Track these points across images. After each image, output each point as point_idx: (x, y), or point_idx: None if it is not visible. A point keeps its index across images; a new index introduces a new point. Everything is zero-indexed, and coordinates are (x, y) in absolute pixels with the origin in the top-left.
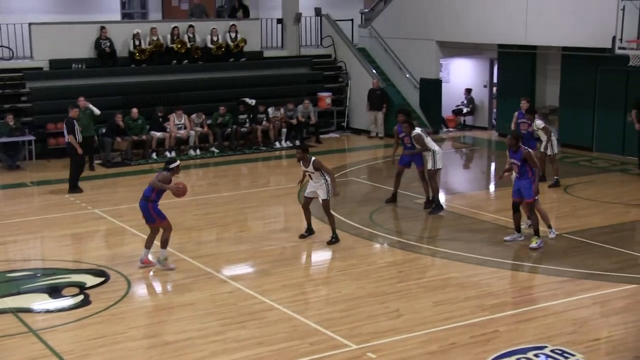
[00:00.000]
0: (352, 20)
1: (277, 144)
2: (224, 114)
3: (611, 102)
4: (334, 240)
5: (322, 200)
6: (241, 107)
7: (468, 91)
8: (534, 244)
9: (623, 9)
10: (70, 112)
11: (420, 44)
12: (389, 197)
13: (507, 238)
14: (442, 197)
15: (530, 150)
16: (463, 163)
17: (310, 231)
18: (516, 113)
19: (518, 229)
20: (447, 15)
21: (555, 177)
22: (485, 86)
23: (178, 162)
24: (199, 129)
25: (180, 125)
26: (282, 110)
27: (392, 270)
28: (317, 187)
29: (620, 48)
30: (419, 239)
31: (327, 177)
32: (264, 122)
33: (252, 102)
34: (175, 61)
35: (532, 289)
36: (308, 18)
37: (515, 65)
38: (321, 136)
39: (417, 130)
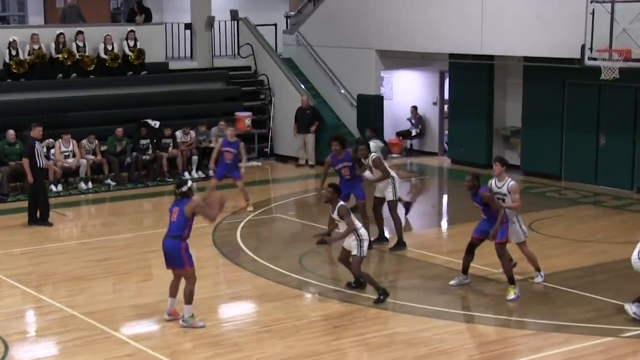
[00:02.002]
0: (275, 25)
1: (187, 175)
2: (121, 138)
3: (581, 122)
4: (382, 298)
5: (352, 256)
6: (143, 131)
7: (414, 109)
8: (511, 295)
9: (593, 13)
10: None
11: (357, 53)
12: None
13: (453, 282)
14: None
15: (490, 192)
16: (410, 196)
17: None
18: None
19: (465, 271)
20: (388, 19)
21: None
22: (434, 103)
23: (190, 182)
24: (91, 157)
25: (67, 153)
26: (192, 133)
27: (327, 325)
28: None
29: (590, 59)
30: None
31: (357, 229)
32: (170, 149)
33: (156, 124)
34: (61, 75)
35: (492, 345)
36: (222, 23)
37: (469, 79)
38: (240, 165)
39: (374, 153)
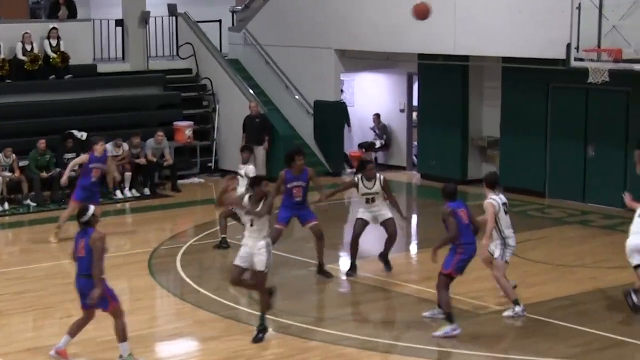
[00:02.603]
0: (219, 21)
1: (119, 194)
2: (43, 152)
3: (568, 130)
4: (260, 336)
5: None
6: (68, 143)
7: (377, 117)
8: (439, 332)
9: (579, 8)
10: None
11: (313, 54)
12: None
13: (426, 314)
14: (344, 263)
15: (451, 208)
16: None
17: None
18: None
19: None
20: (349, 15)
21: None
22: (401, 110)
23: (91, 209)
24: (7, 173)
25: None
26: (124, 146)
27: None
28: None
29: (577, 59)
30: (316, 321)
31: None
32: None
33: (83, 135)
34: None
35: None
36: (159, 19)
37: (441, 83)
38: (180, 182)
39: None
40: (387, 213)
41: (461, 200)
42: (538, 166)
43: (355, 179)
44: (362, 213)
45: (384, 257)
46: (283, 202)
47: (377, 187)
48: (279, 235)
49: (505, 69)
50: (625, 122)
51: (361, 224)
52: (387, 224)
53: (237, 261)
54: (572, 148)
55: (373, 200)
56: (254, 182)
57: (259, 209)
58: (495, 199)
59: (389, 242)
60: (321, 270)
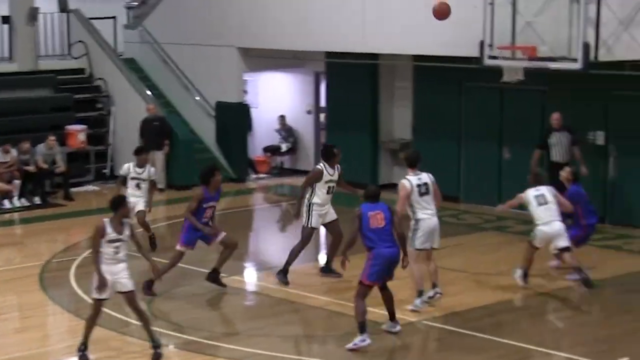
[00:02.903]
0: (114, 18)
1: (7, 203)
2: None
3: (482, 132)
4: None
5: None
6: None
7: (283, 119)
8: (349, 344)
9: (492, 4)
10: None
11: (214, 52)
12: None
13: (384, 327)
14: (251, 274)
15: (360, 211)
16: (280, 225)
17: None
18: None
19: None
20: (252, 11)
21: None
22: (309, 112)
23: None
24: None
25: None
26: (13, 152)
27: None
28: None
29: (490, 57)
30: (221, 336)
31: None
32: None
33: None
34: None
35: None
36: (49, 15)
37: (350, 82)
38: (73, 190)
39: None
40: (333, 213)
41: (383, 203)
42: (451, 169)
43: (320, 166)
44: (315, 220)
45: (329, 263)
46: (188, 223)
47: (336, 174)
48: (180, 259)
49: (417, 68)
50: (541, 122)
51: (312, 234)
52: (333, 226)
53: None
54: (487, 150)
55: (333, 190)
56: (117, 204)
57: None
58: (410, 180)
59: (334, 246)
60: (215, 279)
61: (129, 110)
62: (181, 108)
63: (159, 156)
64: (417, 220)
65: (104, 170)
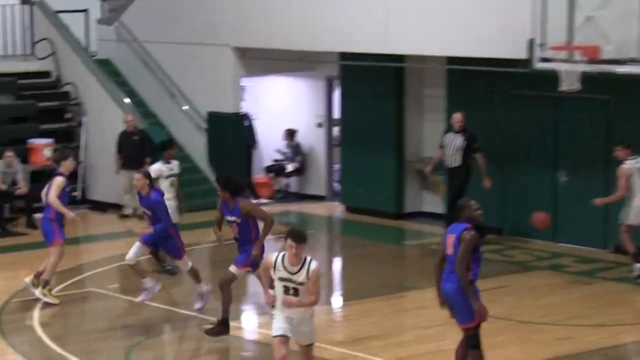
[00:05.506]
0: (86, 11)
1: None
2: None
3: (531, 150)
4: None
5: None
6: None
7: (291, 134)
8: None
9: None
10: None
11: (206, 52)
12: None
13: None
14: (251, 320)
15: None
16: None
17: None
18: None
19: None
20: (251, 4)
21: None
22: (319, 125)
23: None
24: None
25: None
26: None
27: None
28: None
29: (542, 60)
30: None
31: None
32: None
33: None
34: None
35: None
36: (8, 7)
37: (369, 90)
38: (36, 215)
39: None
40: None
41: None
42: (493, 196)
43: None
44: None
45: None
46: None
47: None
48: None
49: (451, 73)
50: (606, 137)
51: None
52: None
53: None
54: (538, 172)
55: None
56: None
57: None
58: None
59: None
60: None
61: (103, 122)
62: (165, 119)
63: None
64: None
65: (74, 193)
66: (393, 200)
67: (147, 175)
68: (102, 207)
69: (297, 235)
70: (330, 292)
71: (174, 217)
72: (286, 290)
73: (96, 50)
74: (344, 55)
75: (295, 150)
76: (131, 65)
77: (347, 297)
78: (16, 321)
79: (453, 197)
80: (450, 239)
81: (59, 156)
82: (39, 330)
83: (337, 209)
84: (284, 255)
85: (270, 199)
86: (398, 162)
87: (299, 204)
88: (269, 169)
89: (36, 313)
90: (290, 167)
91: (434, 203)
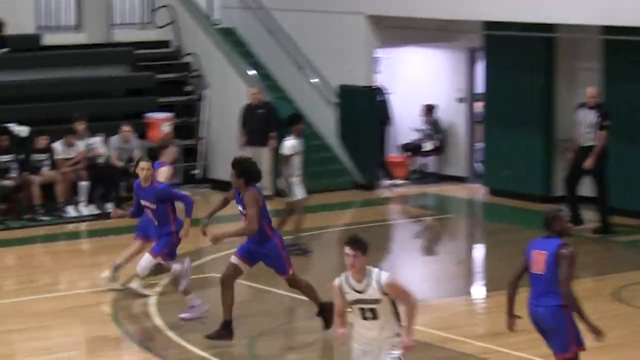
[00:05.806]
0: None
1: (71, 211)
2: None
3: None
4: None
5: None
6: (2, 140)
7: (429, 110)
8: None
9: None
10: None
11: (338, 21)
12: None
13: None
14: None
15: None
16: (422, 245)
17: None
18: None
19: None
20: None
21: None
22: (460, 100)
23: None
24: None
25: None
26: (79, 145)
27: None
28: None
29: None
30: None
31: None
32: (44, 169)
33: (22, 130)
34: None
35: None
36: None
37: (517, 62)
38: None
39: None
40: None
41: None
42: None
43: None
44: None
45: None
46: None
47: None
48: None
49: (609, 44)
50: None
51: None
52: None
53: None
54: None
55: None
56: None
57: None
58: None
59: None
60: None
61: (226, 95)
62: (293, 93)
63: (263, 154)
64: None
65: (194, 172)
66: (541, 182)
67: (153, 164)
68: (224, 186)
69: (355, 242)
70: (470, 282)
71: (301, 194)
72: (362, 313)
73: (219, 19)
74: (488, 25)
75: (434, 127)
76: (256, 35)
77: (490, 287)
78: (131, 307)
79: (597, 183)
80: (541, 256)
81: (161, 145)
82: (155, 318)
83: (478, 191)
84: (346, 276)
85: (405, 179)
86: (547, 140)
87: (437, 186)
88: (404, 148)
89: (153, 300)
90: (428, 146)
91: (586, 185)
